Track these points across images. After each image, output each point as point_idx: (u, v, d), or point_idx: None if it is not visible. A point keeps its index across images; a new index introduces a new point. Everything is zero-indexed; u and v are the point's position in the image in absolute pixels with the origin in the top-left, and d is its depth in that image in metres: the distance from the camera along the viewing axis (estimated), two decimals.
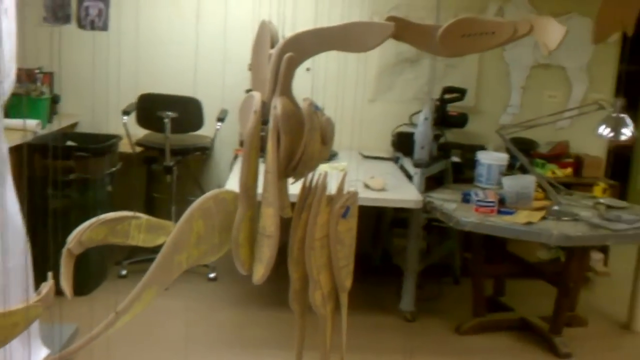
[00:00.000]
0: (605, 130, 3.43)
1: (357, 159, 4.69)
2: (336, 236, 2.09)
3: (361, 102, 5.15)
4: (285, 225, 2.08)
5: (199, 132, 4.55)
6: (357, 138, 4.86)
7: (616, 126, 3.40)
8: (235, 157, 4.64)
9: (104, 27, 4.91)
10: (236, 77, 4.66)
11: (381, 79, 5.16)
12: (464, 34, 2.24)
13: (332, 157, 4.45)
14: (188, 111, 4.33)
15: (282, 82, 2.18)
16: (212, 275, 4.47)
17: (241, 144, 4.57)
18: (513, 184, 3.67)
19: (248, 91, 4.50)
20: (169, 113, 4.20)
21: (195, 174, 5.05)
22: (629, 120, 3.41)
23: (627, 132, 3.40)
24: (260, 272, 2.03)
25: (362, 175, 3.92)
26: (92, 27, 4.91)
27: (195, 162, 5.01)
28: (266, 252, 2.02)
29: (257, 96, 2.18)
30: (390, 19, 2.40)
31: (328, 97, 4.94)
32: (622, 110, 3.42)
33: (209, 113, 4.54)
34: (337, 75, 5.03)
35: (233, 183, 3.47)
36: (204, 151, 4.74)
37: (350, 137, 5.01)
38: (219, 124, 4.64)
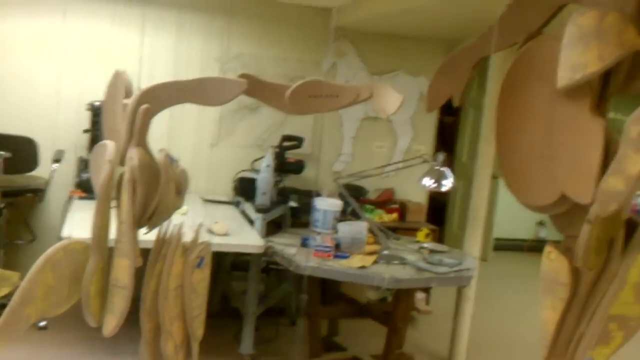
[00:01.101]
0: (428, 182, 3.79)
1: (198, 203, 4.73)
2: (190, 286, 2.14)
3: (203, 147, 5.22)
4: (136, 276, 2.10)
5: (34, 173, 4.36)
6: (198, 182, 4.91)
7: (438, 178, 3.77)
8: (70, 199, 4.49)
9: None
10: (74, 117, 4.54)
11: (223, 124, 5.27)
12: (311, 94, 2.44)
13: None
14: (22, 151, 4.15)
15: (138, 133, 2.21)
16: (42, 323, 4.25)
17: (77, 185, 4.43)
18: (347, 229, 3.90)
19: (86, 131, 4.52)
20: (2, 153, 4.00)
21: (27, 216, 4.81)
22: (449, 173, 3.80)
23: (447, 184, 3.78)
24: (112, 324, 2.03)
25: (205, 219, 3.97)
26: None
27: (27, 204, 4.77)
28: (119, 304, 2.03)
29: (110, 145, 2.19)
30: (242, 76, 2.54)
31: (170, 140, 4.97)
32: (443, 164, 3.81)
33: (45, 153, 4.37)
34: (179, 118, 5.08)
35: (69, 228, 3.37)
36: (37, 193, 4.54)
37: (191, 181, 5.05)
38: (55, 165, 4.48)
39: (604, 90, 1.59)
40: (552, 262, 1.67)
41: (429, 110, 2.04)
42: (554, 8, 1.82)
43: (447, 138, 7.86)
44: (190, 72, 5.08)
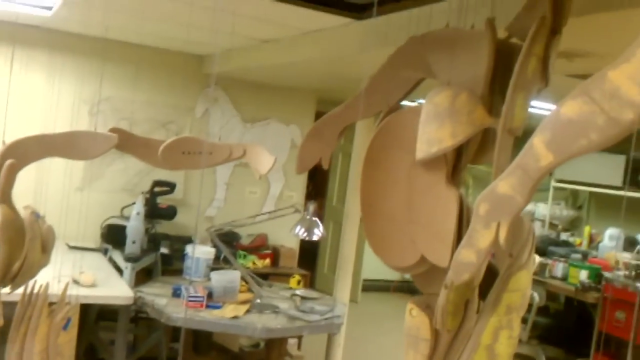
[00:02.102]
0: (300, 231, 3.89)
1: (63, 250, 4.55)
2: (56, 349, 2.08)
3: (69, 190, 5.04)
4: None
5: None
6: (64, 228, 4.72)
7: (309, 227, 3.88)
8: None
9: None
10: None
11: (91, 167, 5.12)
12: (184, 151, 2.46)
13: None
14: None
15: (2, 189, 2.14)
16: None
17: None
18: (220, 278, 3.91)
19: None
20: None
21: None
22: (319, 222, 3.92)
23: (318, 233, 3.90)
24: None
25: (70, 268, 3.82)
26: None
27: None
28: None
29: None
30: (114, 130, 2.52)
31: (35, 182, 4.77)
32: (313, 214, 3.92)
33: None
34: (44, 160, 4.88)
35: None
36: None
37: (56, 227, 4.85)
38: None
39: (457, 162, 1.75)
40: (414, 318, 1.79)
41: (298, 172, 2.13)
42: (412, 82, 1.98)
43: (319, 182, 8.08)
44: (60, 113, 4.93)
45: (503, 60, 1.66)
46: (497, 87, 1.65)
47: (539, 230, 7.23)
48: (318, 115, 5.76)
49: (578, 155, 1.17)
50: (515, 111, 1.45)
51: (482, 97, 1.67)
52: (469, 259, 1.37)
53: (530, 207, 7.30)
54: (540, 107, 4.59)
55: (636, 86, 1.08)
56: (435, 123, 1.66)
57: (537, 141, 1.20)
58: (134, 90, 5.22)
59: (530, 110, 1.58)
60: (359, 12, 2.92)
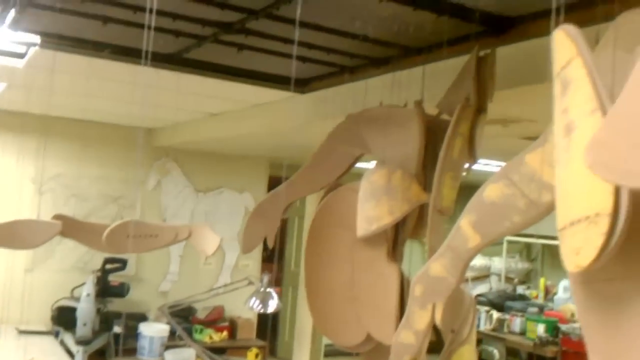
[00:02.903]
0: (254, 304, 3.83)
1: (13, 335, 4.39)
2: None
3: (17, 272, 4.91)
4: None
5: None
6: (12, 311, 4.58)
7: (264, 299, 3.83)
8: None
9: None
10: None
11: (39, 247, 5.00)
12: (129, 234, 2.44)
13: None
14: None
15: None
16: None
17: None
18: (175, 358, 3.82)
19: None
20: None
21: None
22: (274, 294, 3.88)
23: (273, 304, 3.85)
24: None
25: (21, 354, 3.70)
26: None
27: None
28: None
29: None
30: (57, 217, 2.49)
31: None
32: (268, 285, 3.89)
33: None
34: None
35: None
36: None
37: (4, 310, 4.70)
38: None
39: (397, 238, 1.77)
40: None
41: (244, 252, 2.13)
42: (352, 158, 2.02)
43: (275, 246, 8.01)
44: (5, 193, 4.84)
45: (434, 137, 1.71)
46: (429, 164, 1.69)
47: (495, 284, 7.29)
48: (271, 181, 5.78)
49: (504, 236, 1.21)
50: (444, 192, 1.49)
51: (416, 174, 1.71)
52: (409, 340, 1.38)
53: (485, 261, 7.38)
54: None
55: (551, 169, 1.12)
56: (372, 201, 1.69)
57: (464, 223, 1.23)
58: (83, 167, 5.17)
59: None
60: (301, 86, 2.98)
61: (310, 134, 2.20)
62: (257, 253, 5.94)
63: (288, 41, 2.31)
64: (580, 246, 0.83)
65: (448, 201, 1.52)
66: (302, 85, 2.96)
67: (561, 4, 1.09)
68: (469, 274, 7.06)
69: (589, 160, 0.78)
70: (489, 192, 1.20)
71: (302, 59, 2.52)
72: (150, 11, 2.16)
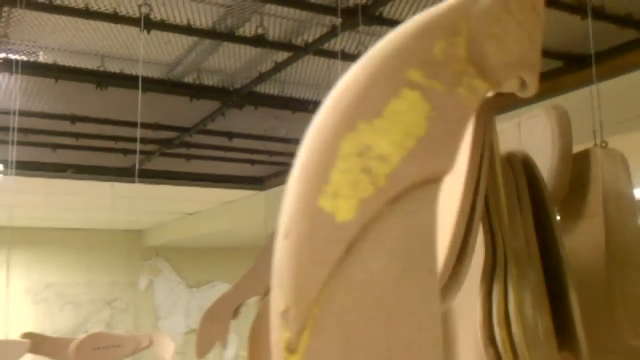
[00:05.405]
0: None
1: None
2: None
3: None
4: None
5: None
6: None
7: None
8: None
9: None
10: None
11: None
12: (95, 347, 2.52)
13: None
14: None
15: None
16: None
17: None
18: None
19: None
20: None
21: None
22: None
23: None
24: None
25: None
26: None
27: None
28: None
29: None
30: (25, 335, 2.58)
31: None
32: None
33: None
34: None
35: None
36: None
37: None
38: None
39: None
40: None
41: (199, 357, 2.20)
42: None
43: None
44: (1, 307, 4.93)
45: None
46: None
47: None
48: None
49: None
50: None
51: None
52: None
53: None
54: None
55: None
56: None
57: None
58: (75, 274, 5.28)
59: None
60: (259, 184, 3.11)
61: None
62: None
63: (228, 149, 2.46)
64: None
65: None
66: (259, 183, 3.10)
67: None
68: None
69: None
70: None
71: (250, 161, 2.67)
72: (92, 136, 2.32)
